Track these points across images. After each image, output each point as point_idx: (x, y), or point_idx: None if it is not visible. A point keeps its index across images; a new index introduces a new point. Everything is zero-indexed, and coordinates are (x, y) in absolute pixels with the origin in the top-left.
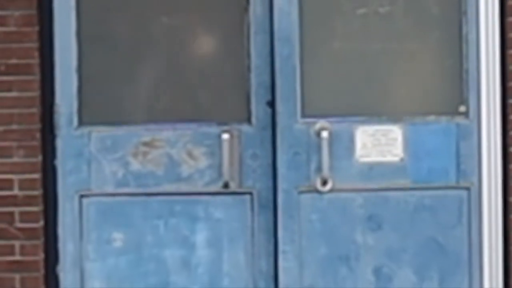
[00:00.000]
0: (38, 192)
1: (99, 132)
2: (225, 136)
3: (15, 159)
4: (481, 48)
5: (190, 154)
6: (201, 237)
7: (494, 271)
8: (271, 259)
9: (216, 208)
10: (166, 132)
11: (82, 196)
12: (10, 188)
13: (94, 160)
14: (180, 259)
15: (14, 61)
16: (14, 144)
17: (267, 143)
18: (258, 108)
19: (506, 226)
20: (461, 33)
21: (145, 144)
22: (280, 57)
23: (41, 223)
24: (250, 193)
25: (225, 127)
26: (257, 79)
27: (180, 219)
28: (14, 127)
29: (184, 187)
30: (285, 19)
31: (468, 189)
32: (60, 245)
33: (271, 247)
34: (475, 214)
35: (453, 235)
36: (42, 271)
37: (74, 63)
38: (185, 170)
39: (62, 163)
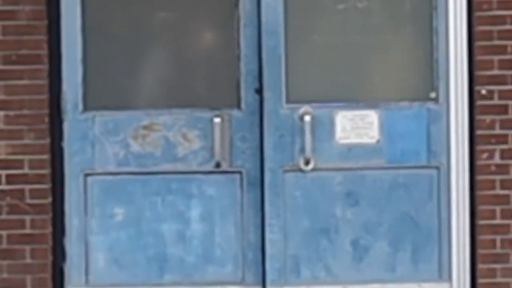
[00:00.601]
0: (46, 171)
1: (102, 117)
2: (217, 120)
3: (26, 141)
4: (450, 40)
5: (185, 137)
6: (195, 212)
7: (461, 243)
8: (259, 232)
9: (209, 186)
10: (163, 117)
11: (86, 175)
12: (21, 167)
13: (98, 142)
14: (176, 233)
15: (24, 51)
16: (25, 127)
17: (255, 127)
18: (247, 95)
19: (472, 202)
20: (432, 27)
21: (144, 127)
22: (267, 48)
23: (49, 199)
24: (240, 172)
25: (217, 112)
26: (246, 68)
27: (176, 196)
28: (25, 112)
29: (179, 167)
30: (271, 14)
31: (438, 168)
32: (67, 219)
33: (259, 221)
34: (444, 191)
35: (424, 210)
36: (50, 243)
37: (79, 54)
38: (180, 151)
39: (69, 145)
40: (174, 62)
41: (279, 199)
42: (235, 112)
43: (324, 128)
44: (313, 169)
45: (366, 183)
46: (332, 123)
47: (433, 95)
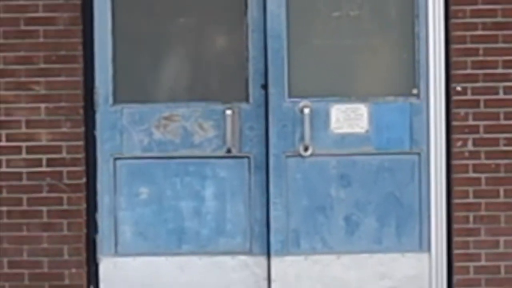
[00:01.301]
0: (81, 156)
1: (129, 109)
2: (228, 112)
3: (64, 130)
4: (429, 44)
5: (200, 126)
6: (209, 191)
7: (439, 219)
8: (264, 209)
9: (221, 169)
10: (181, 109)
11: (116, 159)
12: (60, 152)
13: (125, 130)
14: (192, 209)
15: (62, 52)
16: (63, 118)
17: (261, 118)
18: (254, 90)
19: (448, 184)
20: (414, 32)
21: (165, 118)
22: (272, 50)
23: (84, 180)
24: (248, 157)
25: (228, 105)
26: (253, 67)
27: (192, 177)
28: (63, 104)
29: (196, 152)
30: (275, 21)
31: (419, 154)
32: (98, 197)
33: (264, 200)
34: (425, 174)
35: (407, 190)
36: (84, 218)
37: (109, 54)
38: (196, 139)
39: (100, 133)
40: (191, 62)
41: (281, 180)
42: (244, 105)
43: (320, 119)
44: (311, 155)
45: (357, 167)
46: (327, 115)
47: (415, 91)
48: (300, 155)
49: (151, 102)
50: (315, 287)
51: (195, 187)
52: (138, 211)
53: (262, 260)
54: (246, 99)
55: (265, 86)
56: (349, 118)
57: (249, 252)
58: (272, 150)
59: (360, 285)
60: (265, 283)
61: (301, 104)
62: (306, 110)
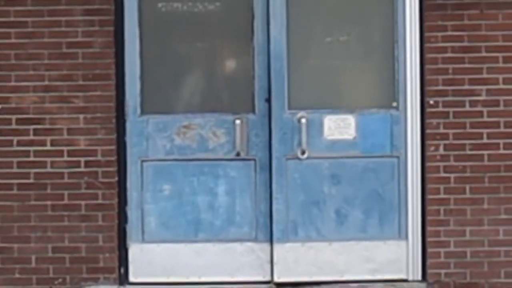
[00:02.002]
0: (113, 158)
1: (154, 119)
2: (238, 121)
3: (99, 136)
4: (407, 64)
5: (214, 134)
6: (221, 188)
7: (415, 212)
8: (268, 203)
9: (231, 169)
10: (198, 119)
11: (143, 161)
12: (96, 155)
13: (151, 137)
14: (207, 203)
15: (98, 71)
16: (98, 126)
17: (265, 126)
18: (259, 103)
19: (423, 182)
20: (394, 55)
21: (185, 127)
22: (274, 69)
23: (116, 178)
24: (254, 160)
25: (237, 116)
26: (258, 84)
27: (207, 176)
28: (98, 115)
29: (210, 155)
30: (278, 44)
31: (398, 157)
32: (128, 193)
33: (268, 195)
34: (403, 174)
35: (388, 188)
36: (116, 210)
37: (137, 72)
38: (211, 144)
39: (130, 139)
40: (206, 79)
41: (282, 179)
42: (251, 116)
43: (315, 128)
44: (307, 158)
45: (346, 168)
46: (321, 124)
47: (394, 104)
48: (298, 158)
49: (173, 113)
50: (310, 269)
51: (209, 185)
52: (161, 204)
53: (266, 246)
54: (253, 111)
55: (268, 100)
56: (339, 126)
57: (255, 240)
58: (274, 154)
59: (348, 267)
60: (268, 265)
61: (299, 115)
62: (303, 120)
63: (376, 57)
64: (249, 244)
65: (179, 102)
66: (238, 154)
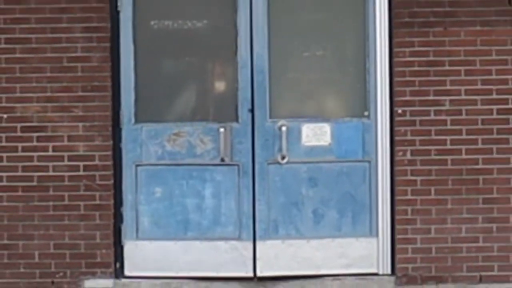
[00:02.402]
0: (110, 163)
1: (147, 127)
2: (221, 130)
3: (96, 143)
4: (377, 77)
5: (201, 141)
6: (208, 191)
7: (385, 212)
8: (251, 205)
9: (217, 174)
10: (187, 127)
11: (137, 165)
12: (93, 160)
13: (144, 143)
14: (195, 205)
15: (95, 83)
16: (96, 133)
17: (248, 134)
18: (243, 113)
19: (392, 184)
20: (365, 68)
21: (175, 134)
22: (257, 82)
23: (112, 181)
24: (238, 165)
25: (222, 124)
26: (242, 96)
27: (195, 180)
28: (96, 123)
29: (198, 161)
30: (260, 59)
31: (369, 162)
32: (123, 195)
33: (251, 197)
34: (374, 177)
35: (360, 190)
36: (112, 210)
37: (132, 85)
38: (198, 150)
39: (125, 145)
40: (194, 91)
41: (264, 182)
42: (235, 124)
43: (294, 135)
44: (287, 162)
45: (322, 172)
46: (299, 132)
47: (366, 113)
48: (279, 163)
49: (164, 121)
50: (290, 264)
51: (197, 188)
52: (153, 206)
53: (249, 244)
54: (236, 120)
55: (252, 110)
56: (316, 134)
57: (238, 238)
58: (257, 159)
59: (324, 262)
60: (251, 262)
61: (279, 123)
62: (283, 128)
63: (349, 70)
64: (233, 242)
65: (170, 112)
66: (222, 160)
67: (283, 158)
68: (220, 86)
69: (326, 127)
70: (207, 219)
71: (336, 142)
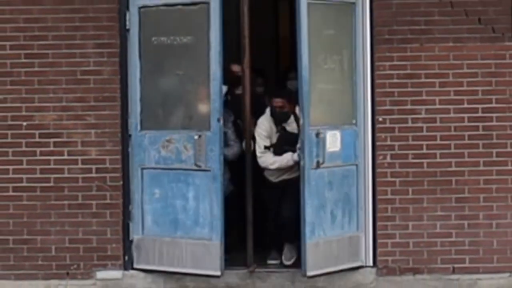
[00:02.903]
0: (119, 166)
1: (149, 134)
2: (196, 137)
3: (107, 148)
4: (362, 89)
5: (185, 147)
6: (191, 194)
7: (369, 210)
8: (221, 205)
9: (197, 178)
10: (175, 135)
11: (142, 168)
12: (104, 163)
13: (147, 149)
14: (182, 206)
15: (106, 94)
16: (106, 139)
17: (217, 142)
18: (213, 122)
19: (374, 185)
20: (352, 80)
21: (167, 141)
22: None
23: (121, 182)
24: (210, 170)
25: (199, 132)
26: (213, 107)
27: (183, 183)
28: (106, 130)
29: (183, 166)
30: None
31: (357, 165)
32: (131, 195)
33: (221, 199)
34: (361, 179)
35: (351, 191)
36: (121, 209)
37: (138, 96)
38: (183, 156)
39: (132, 150)
40: (182, 100)
41: None
42: (208, 133)
43: None
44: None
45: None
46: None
47: (354, 121)
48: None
49: (160, 129)
50: None
51: (183, 190)
52: (154, 205)
53: (218, 244)
54: (209, 128)
55: (219, 120)
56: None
57: (210, 239)
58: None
59: None
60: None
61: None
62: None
63: (345, 81)
64: (206, 242)
65: (164, 120)
66: (199, 166)
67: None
68: (201, 96)
69: (337, 134)
70: (190, 219)
71: (343, 148)
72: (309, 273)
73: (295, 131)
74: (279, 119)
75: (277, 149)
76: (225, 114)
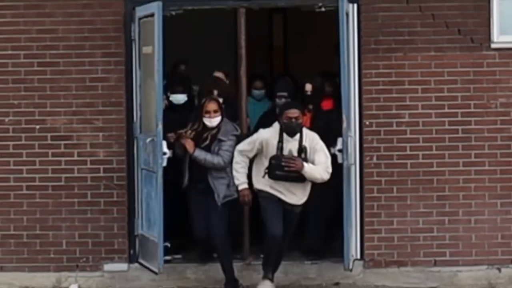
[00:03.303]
0: (124, 166)
1: (145, 137)
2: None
3: (114, 149)
4: (350, 94)
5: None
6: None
7: (357, 206)
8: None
9: None
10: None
11: (142, 169)
12: (111, 164)
13: (144, 151)
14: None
15: (113, 100)
16: (113, 142)
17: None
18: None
19: (361, 184)
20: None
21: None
22: None
23: (126, 181)
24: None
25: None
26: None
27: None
28: (113, 133)
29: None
30: None
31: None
32: (136, 193)
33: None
34: (352, 178)
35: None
36: (127, 204)
37: (139, 101)
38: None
39: (137, 152)
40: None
41: None
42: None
43: None
44: None
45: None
46: None
47: (345, 124)
48: None
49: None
50: None
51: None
52: (146, 204)
53: None
54: None
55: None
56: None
57: None
58: None
59: None
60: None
61: None
62: None
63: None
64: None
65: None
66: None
67: None
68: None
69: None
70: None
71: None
72: None
73: (294, 152)
74: (292, 131)
75: (271, 175)
76: (228, 126)
